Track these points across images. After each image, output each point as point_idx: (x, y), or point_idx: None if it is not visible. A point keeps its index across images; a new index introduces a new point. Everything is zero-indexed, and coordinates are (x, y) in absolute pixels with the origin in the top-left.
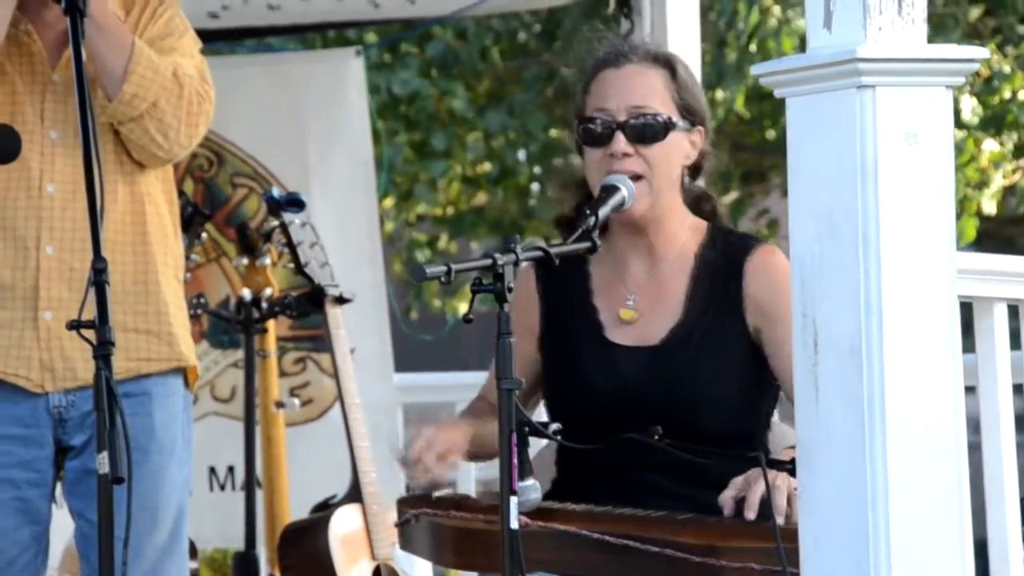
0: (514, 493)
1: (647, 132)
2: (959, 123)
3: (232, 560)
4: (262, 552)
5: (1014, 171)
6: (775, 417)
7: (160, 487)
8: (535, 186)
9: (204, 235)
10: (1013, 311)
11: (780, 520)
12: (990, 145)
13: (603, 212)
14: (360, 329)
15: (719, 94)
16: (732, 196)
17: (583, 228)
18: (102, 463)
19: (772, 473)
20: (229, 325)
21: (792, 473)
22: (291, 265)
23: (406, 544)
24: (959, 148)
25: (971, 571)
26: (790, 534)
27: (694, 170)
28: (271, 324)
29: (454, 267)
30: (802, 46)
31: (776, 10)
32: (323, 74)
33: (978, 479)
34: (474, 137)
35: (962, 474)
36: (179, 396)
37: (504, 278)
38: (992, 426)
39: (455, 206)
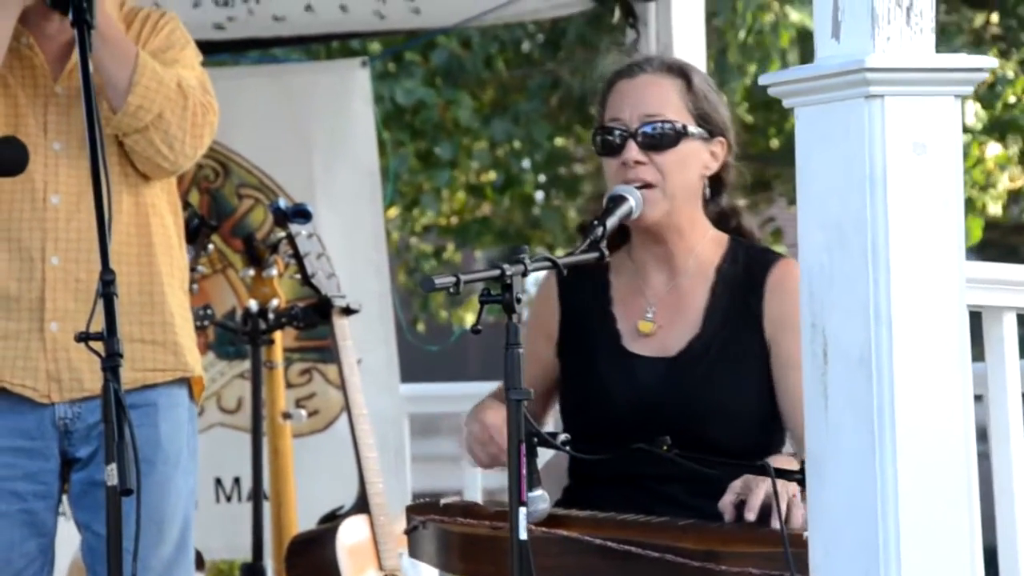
0: (523, 504)
1: (659, 139)
2: (963, 127)
3: (239, 571)
4: (269, 563)
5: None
6: None
7: (166, 498)
8: (540, 195)
9: (211, 246)
10: (1022, 320)
11: (774, 524)
12: (994, 149)
13: (611, 222)
14: (366, 340)
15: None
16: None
17: (591, 239)
18: (111, 475)
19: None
20: (235, 336)
21: (800, 483)
22: (298, 276)
23: (414, 551)
24: (964, 152)
25: None
26: (792, 539)
27: (717, 183)
28: (278, 335)
29: (463, 278)
30: (799, 38)
31: (775, 5)
32: (329, 85)
33: (986, 488)
34: (479, 146)
35: (972, 483)
36: (184, 407)
37: (512, 289)
38: (1001, 435)
39: (459, 215)
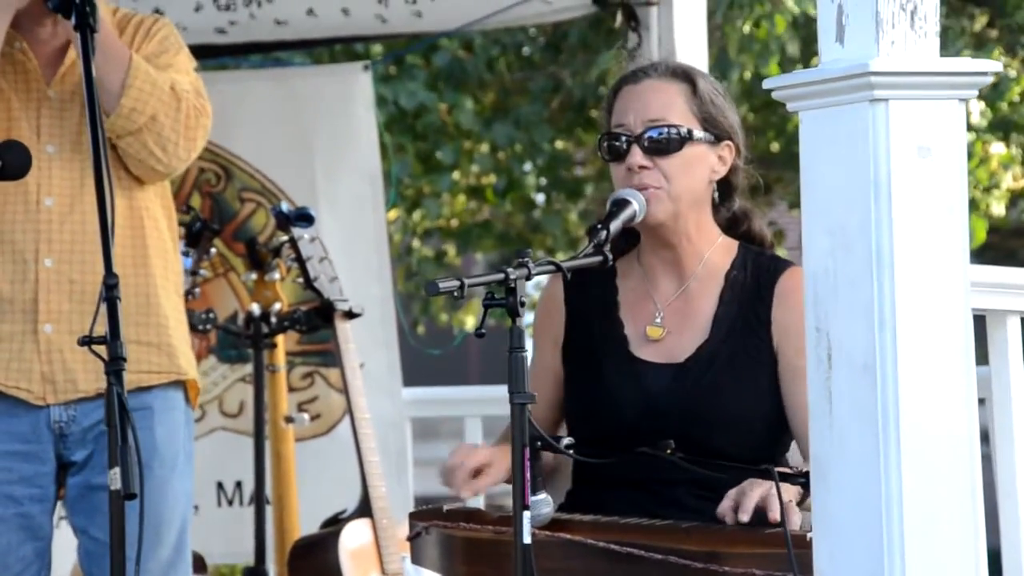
0: (527, 508)
1: (663, 144)
2: (968, 126)
3: (241, 575)
4: (272, 567)
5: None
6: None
7: (163, 501)
8: (540, 198)
9: (213, 250)
10: None
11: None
12: (997, 148)
13: (614, 226)
14: (368, 344)
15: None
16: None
17: (595, 242)
18: (114, 479)
19: (768, 484)
20: (238, 340)
21: (805, 487)
22: (300, 280)
23: (417, 557)
24: (968, 150)
25: None
26: (796, 540)
27: (725, 188)
28: (280, 339)
29: (467, 281)
30: (795, 24)
31: None
32: (331, 89)
33: (988, 491)
34: (480, 150)
35: (976, 487)
36: (180, 410)
37: (516, 292)
38: (1005, 438)
39: (460, 219)
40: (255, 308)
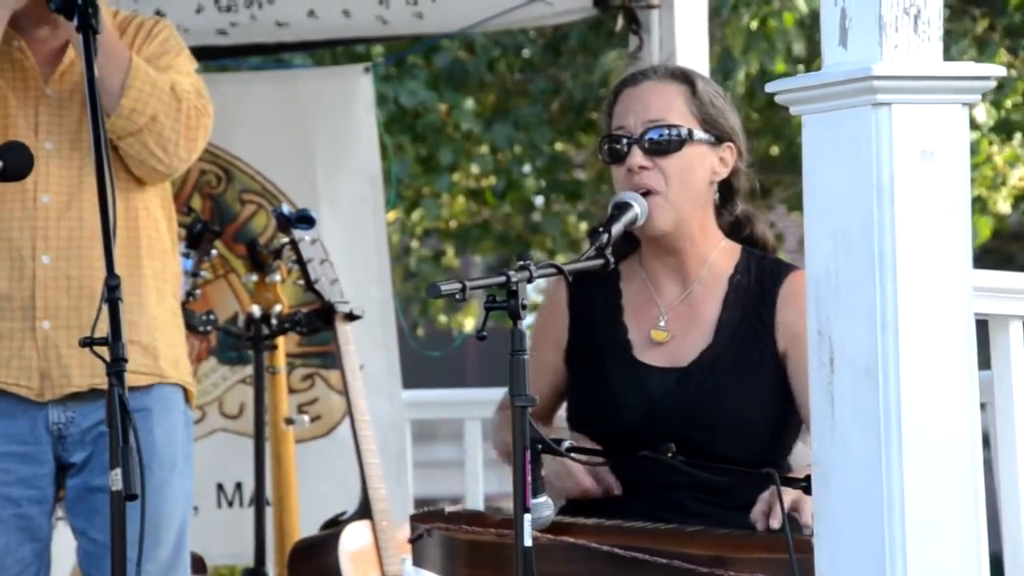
0: (527, 510)
1: (663, 144)
2: (973, 124)
3: None
4: (272, 569)
5: None
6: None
7: (163, 502)
8: (539, 200)
9: (214, 251)
10: None
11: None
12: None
13: (616, 229)
14: (368, 346)
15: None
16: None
17: (596, 245)
18: (115, 480)
19: (797, 491)
20: (238, 341)
21: (807, 491)
22: (301, 282)
23: (418, 559)
24: (974, 148)
25: None
26: (801, 544)
27: (727, 191)
28: (280, 340)
29: (468, 284)
30: (801, 24)
31: None
32: (331, 91)
33: (989, 496)
34: (480, 151)
35: (978, 491)
36: (179, 411)
37: (518, 295)
38: (1007, 443)
39: (458, 220)
40: (256, 310)
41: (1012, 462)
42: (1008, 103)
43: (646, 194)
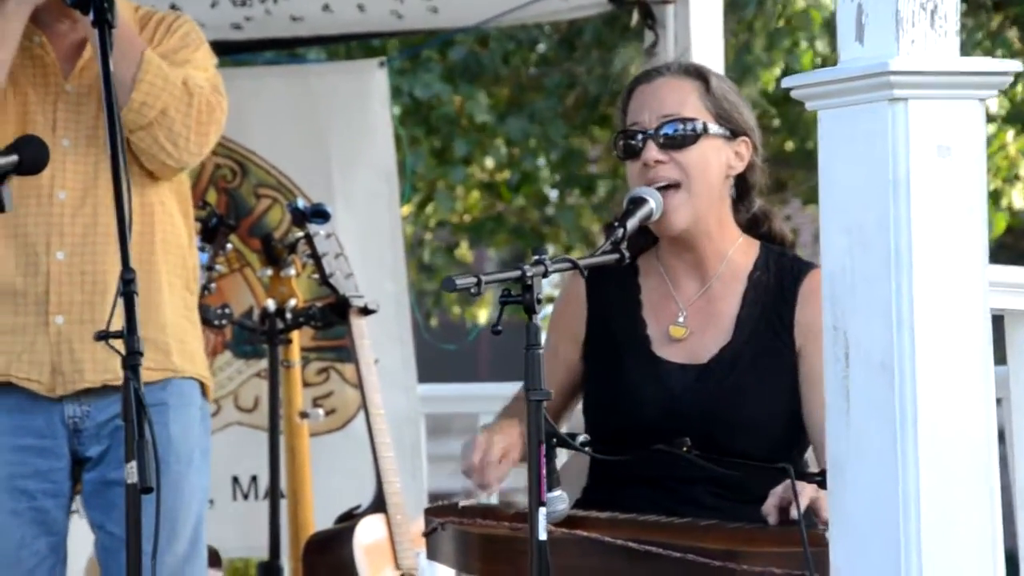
0: (542, 504)
1: (678, 137)
2: (987, 115)
3: (256, 570)
4: (286, 562)
5: None
6: None
7: (179, 496)
8: (554, 194)
9: (229, 245)
10: None
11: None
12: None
13: (631, 224)
14: (383, 340)
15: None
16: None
17: (612, 240)
18: (130, 473)
19: (812, 485)
20: (253, 335)
21: (821, 485)
22: (315, 276)
23: (432, 553)
24: (987, 139)
25: None
26: (814, 539)
27: (743, 186)
28: (295, 334)
29: (483, 278)
30: (828, 24)
31: None
32: (347, 86)
33: (1005, 492)
34: (495, 144)
35: (994, 487)
36: (196, 406)
37: (533, 290)
38: (1022, 438)
39: (472, 214)
40: (270, 304)
41: None
42: (1020, 90)
43: (663, 189)
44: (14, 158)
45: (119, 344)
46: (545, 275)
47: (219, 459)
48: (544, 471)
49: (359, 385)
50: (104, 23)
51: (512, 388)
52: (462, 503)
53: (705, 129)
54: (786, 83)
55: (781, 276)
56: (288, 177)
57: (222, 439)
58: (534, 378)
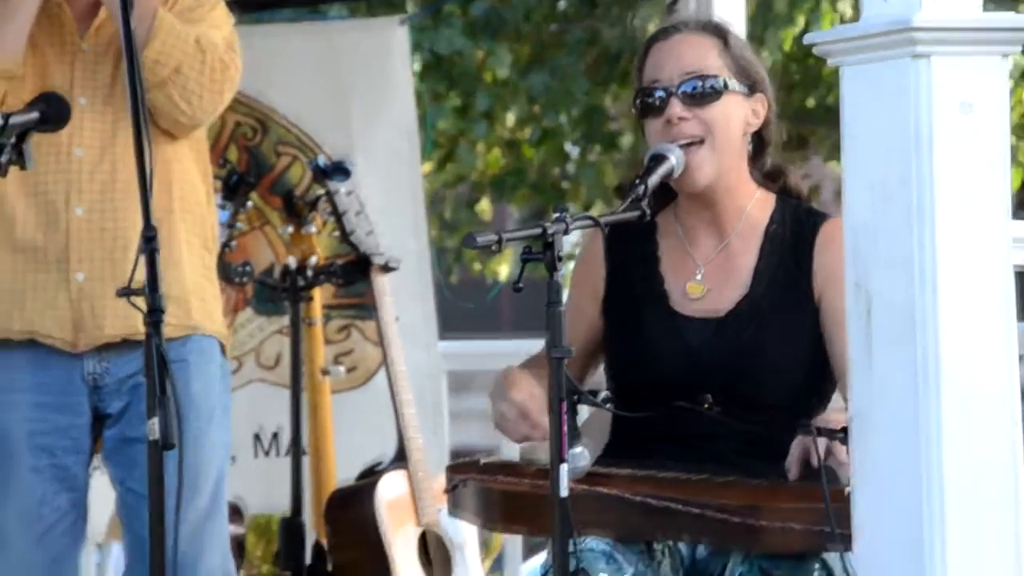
0: (564, 461)
1: (702, 93)
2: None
3: (278, 525)
4: (308, 518)
5: None
6: None
7: (200, 453)
8: (575, 150)
9: (249, 203)
10: None
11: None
12: None
13: (652, 181)
14: (404, 297)
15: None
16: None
17: (632, 197)
18: (152, 429)
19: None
20: (274, 292)
21: (844, 441)
22: (337, 233)
23: (454, 509)
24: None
25: None
26: (835, 494)
27: (759, 142)
28: (316, 291)
29: (504, 236)
30: None
31: None
32: (367, 43)
33: None
34: (518, 98)
35: (1017, 441)
36: (216, 363)
37: (554, 247)
38: None
39: (492, 172)
40: (291, 261)
41: None
42: None
43: (685, 146)
44: (36, 114)
45: (141, 302)
46: (566, 232)
47: (241, 416)
48: (566, 427)
49: (380, 342)
50: None
51: (533, 345)
52: (483, 460)
53: (726, 85)
54: (808, 39)
55: (797, 227)
56: (309, 134)
57: (244, 396)
58: (555, 335)
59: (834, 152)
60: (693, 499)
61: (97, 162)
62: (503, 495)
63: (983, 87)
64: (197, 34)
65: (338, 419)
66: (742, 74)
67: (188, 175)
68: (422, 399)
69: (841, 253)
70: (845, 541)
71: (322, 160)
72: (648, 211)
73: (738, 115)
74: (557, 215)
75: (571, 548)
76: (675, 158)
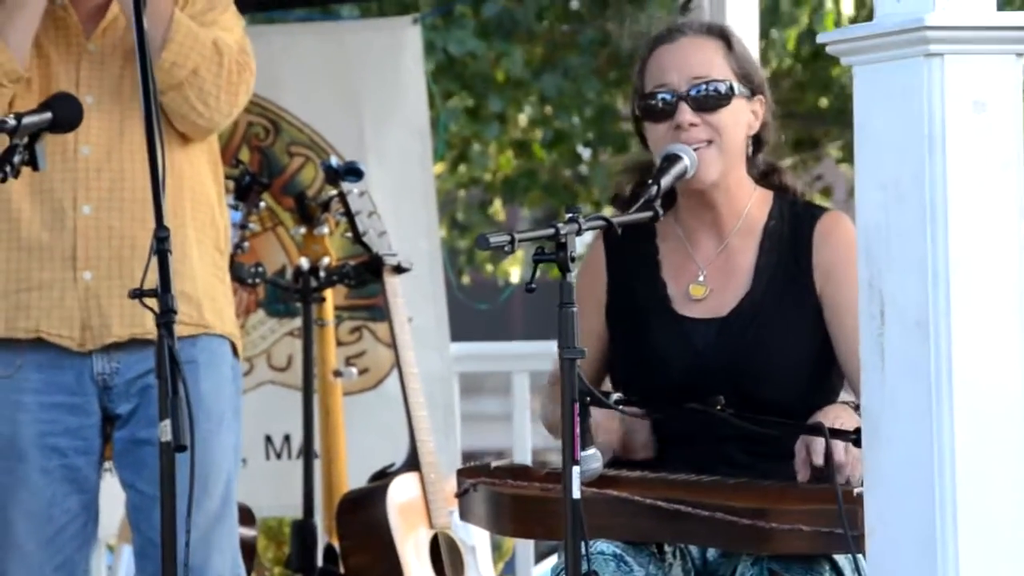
0: (576, 463)
1: (711, 99)
2: None
3: (290, 528)
4: (320, 520)
5: None
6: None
7: (210, 455)
8: (587, 152)
9: (262, 204)
10: None
11: (843, 476)
12: None
13: (665, 181)
14: (416, 298)
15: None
16: (785, 163)
17: (645, 198)
18: (164, 430)
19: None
20: (286, 294)
21: (856, 443)
22: (349, 234)
23: (465, 514)
24: None
25: None
26: (845, 496)
27: (756, 143)
28: (328, 293)
29: (517, 236)
30: None
31: None
32: (379, 43)
33: None
34: (529, 100)
35: None
36: (227, 365)
37: (567, 248)
38: None
39: (504, 174)
40: (304, 262)
41: None
42: None
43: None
44: (48, 115)
45: (153, 303)
46: (579, 233)
47: (252, 418)
48: (578, 430)
49: (392, 344)
50: None
51: (547, 346)
52: (494, 463)
53: (732, 89)
54: (821, 39)
55: (795, 223)
56: (321, 135)
57: (255, 398)
58: (567, 336)
59: (847, 153)
60: (703, 502)
61: (104, 160)
62: (513, 499)
63: (996, 86)
64: (214, 36)
65: (350, 421)
66: (745, 77)
67: (200, 176)
68: (433, 401)
69: (839, 247)
70: (856, 543)
71: (334, 161)
72: (660, 212)
73: (743, 119)
74: (569, 216)
75: (582, 551)
76: (688, 158)
